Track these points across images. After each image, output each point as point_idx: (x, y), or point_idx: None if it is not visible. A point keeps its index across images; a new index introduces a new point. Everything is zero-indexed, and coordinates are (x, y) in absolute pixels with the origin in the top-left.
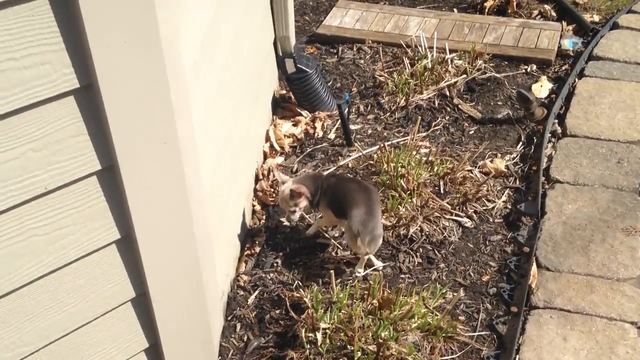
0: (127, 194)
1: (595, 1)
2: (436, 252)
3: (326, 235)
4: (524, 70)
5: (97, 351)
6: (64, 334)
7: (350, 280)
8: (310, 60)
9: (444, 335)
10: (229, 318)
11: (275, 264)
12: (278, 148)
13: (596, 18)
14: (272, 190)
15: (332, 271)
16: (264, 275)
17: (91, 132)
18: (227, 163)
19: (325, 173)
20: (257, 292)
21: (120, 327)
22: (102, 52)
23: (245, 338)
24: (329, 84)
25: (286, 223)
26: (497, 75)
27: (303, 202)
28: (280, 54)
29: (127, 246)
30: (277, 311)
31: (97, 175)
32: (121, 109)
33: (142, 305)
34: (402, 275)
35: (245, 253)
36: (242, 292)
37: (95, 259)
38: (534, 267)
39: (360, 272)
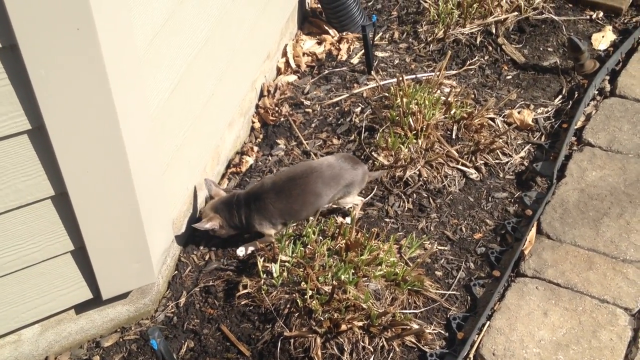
0: (32, 80)
1: None
2: (431, 200)
3: None
4: (588, 17)
5: (11, 245)
6: None
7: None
8: None
9: (408, 288)
10: (197, 234)
11: None
12: (294, 65)
13: None
14: (276, 109)
15: None
16: None
17: None
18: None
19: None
20: None
21: (38, 225)
22: None
23: (207, 257)
24: (369, 3)
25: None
26: (556, 17)
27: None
28: None
29: (40, 139)
30: (247, 235)
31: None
32: None
33: (64, 206)
34: (387, 219)
35: (230, 170)
36: None
37: (4, 147)
38: (533, 232)
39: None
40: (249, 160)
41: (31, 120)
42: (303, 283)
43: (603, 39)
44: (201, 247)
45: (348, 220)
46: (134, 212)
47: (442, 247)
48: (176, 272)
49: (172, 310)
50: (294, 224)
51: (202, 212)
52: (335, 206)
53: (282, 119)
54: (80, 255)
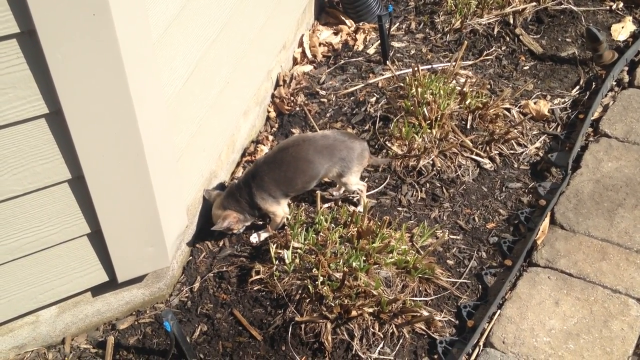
0: (49, 65)
1: None
2: (444, 189)
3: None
4: (608, 7)
5: (29, 226)
6: None
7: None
8: None
9: (419, 275)
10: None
11: None
12: (310, 56)
13: None
14: (291, 98)
15: (318, 192)
16: None
17: None
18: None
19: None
20: None
21: (56, 208)
22: None
23: (221, 243)
24: None
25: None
26: (575, 8)
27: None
28: None
29: (58, 123)
30: (261, 222)
31: (17, 38)
32: None
33: (81, 189)
34: (400, 208)
35: (245, 159)
36: None
37: (22, 130)
38: (546, 222)
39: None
40: (264, 149)
41: (49, 105)
42: (315, 269)
43: (623, 30)
44: (215, 234)
45: (360, 208)
46: (148, 197)
47: (455, 237)
48: (191, 257)
49: (187, 294)
50: (293, 194)
51: (212, 216)
52: (345, 193)
53: (298, 109)
54: (97, 239)
